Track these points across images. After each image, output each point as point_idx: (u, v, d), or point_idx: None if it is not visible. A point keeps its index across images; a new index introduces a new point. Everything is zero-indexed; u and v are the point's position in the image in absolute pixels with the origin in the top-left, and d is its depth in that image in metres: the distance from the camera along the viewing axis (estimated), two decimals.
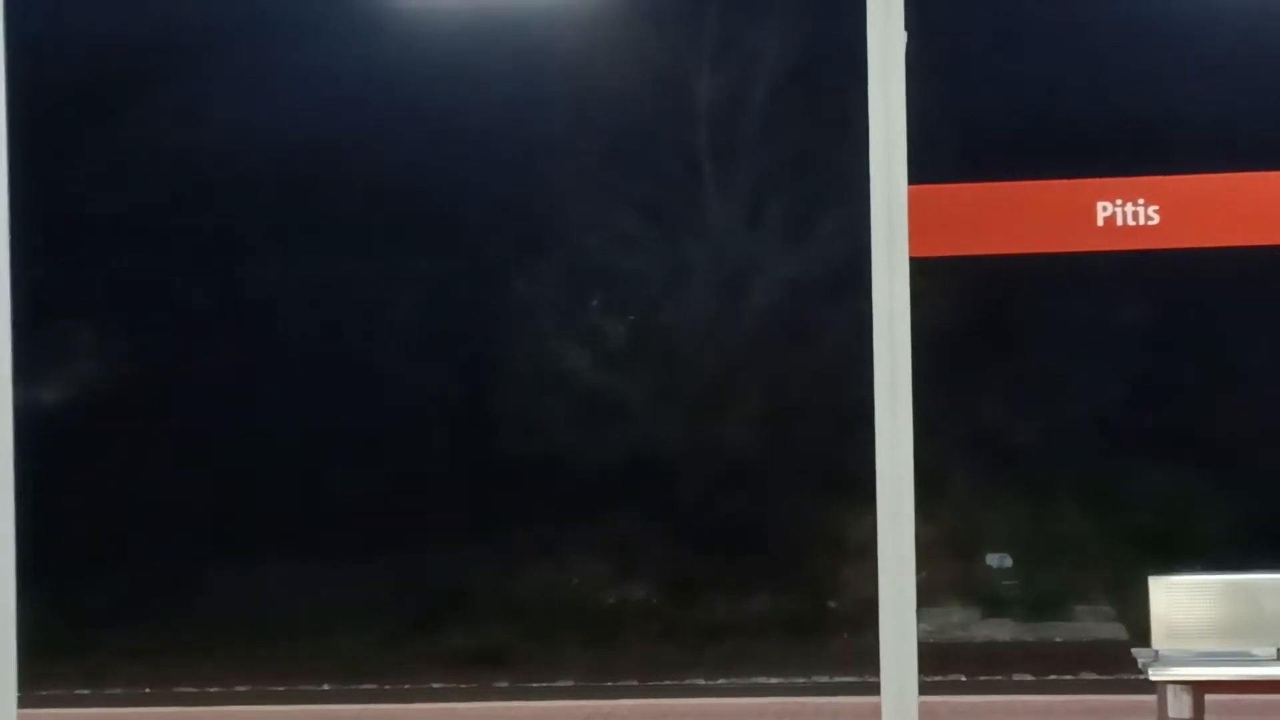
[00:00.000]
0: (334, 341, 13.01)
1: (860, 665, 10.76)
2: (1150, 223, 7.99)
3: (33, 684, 9.34)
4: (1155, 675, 8.18)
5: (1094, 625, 12.59)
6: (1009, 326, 12.46)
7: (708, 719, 11.85)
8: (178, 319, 12.96)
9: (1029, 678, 12.23)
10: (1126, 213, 7.99)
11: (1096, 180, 8.07)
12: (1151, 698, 8.35)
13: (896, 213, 7.82)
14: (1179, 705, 8.12)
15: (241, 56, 12.64)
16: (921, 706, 7.74)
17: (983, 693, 12.00)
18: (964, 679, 12.18)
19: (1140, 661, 8.34)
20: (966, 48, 11.43)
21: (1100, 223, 8.02)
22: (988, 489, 12.67)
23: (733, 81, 12.68)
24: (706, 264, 12.88)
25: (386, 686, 12.60)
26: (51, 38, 11.68)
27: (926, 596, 10.66)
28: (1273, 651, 8.28)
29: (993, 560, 12.80)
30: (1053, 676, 12.22)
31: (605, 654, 12.74)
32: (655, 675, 12.50)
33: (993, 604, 12.75)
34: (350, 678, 12.59)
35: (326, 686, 12.59)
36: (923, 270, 7.83)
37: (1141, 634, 8.56)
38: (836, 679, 12.22)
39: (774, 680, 12.39)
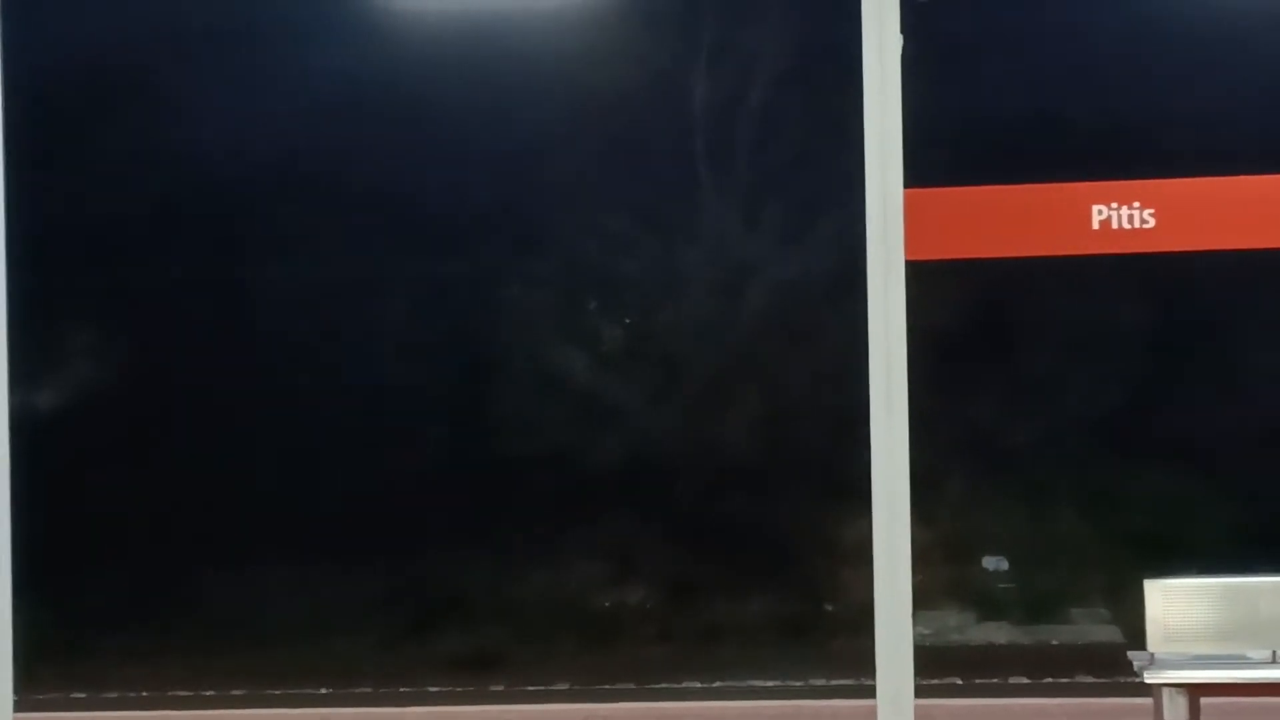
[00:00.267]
0: (331, 343, 13.00)
1: (856, 668, 10.78)
2: (1146, 226, 8.00)
3: (28, 688, 9.34)
4: (1151, 678, 8.19)
5: (1090, 628, 12.60)
6: (1004, 329, 12.46)
7: None
8: (173, 321, 12.96)
9: (1025, 680, 12.24)
10: (1122, 216, 8.00)
11: (1092, 183, 8.08)
12: (1147, 701, 8.35)
13: (892, 216, 7.84)
14: (1174, 708, 8.13)
15: (236, 59, 12.64)
16: (917, 709, 7.75)
17: (978, 696, 12.01)
18: (960, 682, 12.19)
19: (1136, 664, 8.34)
20: (962, 51, 11.43)
21: (1096, 226, 8.03)
22: (983, 492, 12.67)
23: (727, 84, 12.69)
24: (702, 266, 12.89)
25: (383, 690, 12.60)
26: (46, 41, 11.68)
27: (922, 599, 10.65)
28: (1268, 654, 8.29)
29: (989, 563, 12.81)
30: (1048, 679, 12.22)
31: (601, 657, 12.74)
32: (651, 678, 12.51)
33: (988, 607, 12.76)
34: (347, 681, 12.58)
35: (324, 690, 12.59)
36: (918, 273, 7.84)
37: (1137, 637, 8.56)
38: (833, 682, 12.22)
39: (770, 683, 12.39)
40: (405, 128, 12.66)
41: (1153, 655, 8.36)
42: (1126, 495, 12.40)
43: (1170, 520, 12.22)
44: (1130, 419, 12.43)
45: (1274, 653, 8.26)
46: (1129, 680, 8.51)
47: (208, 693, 12.55)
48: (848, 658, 11.80)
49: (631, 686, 12.47)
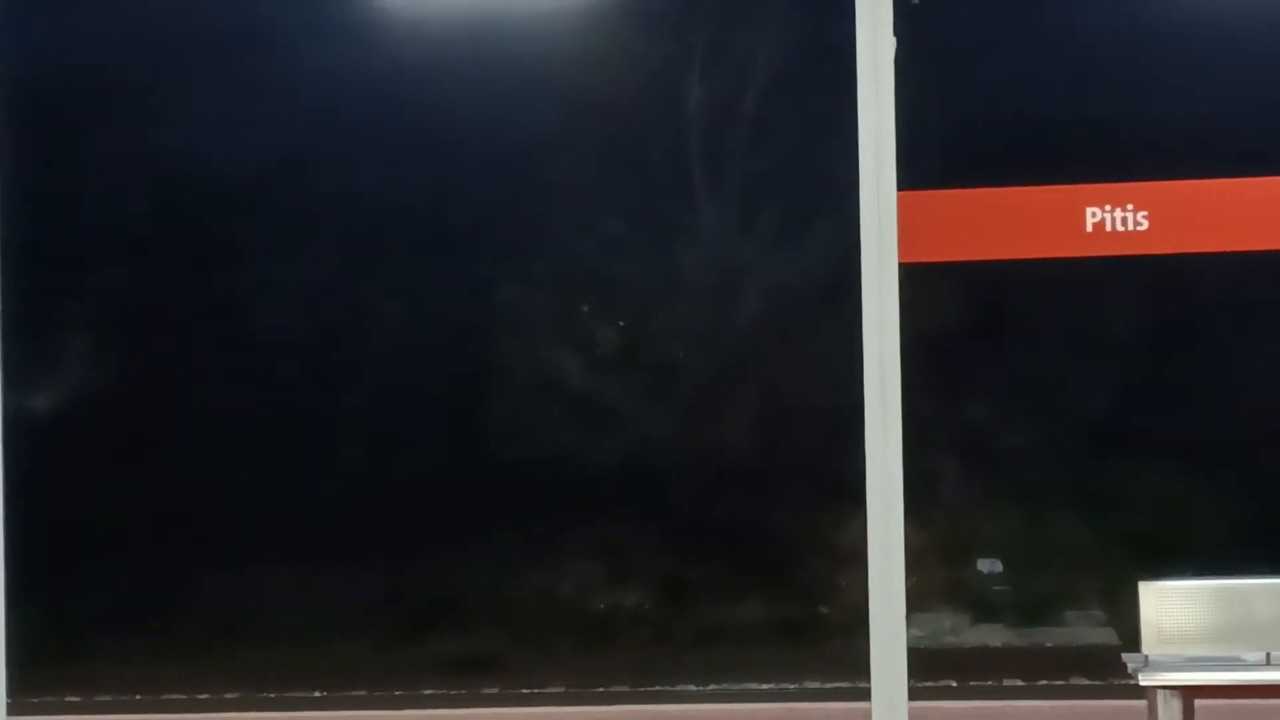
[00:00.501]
0: (326, 346, 13.00)
1: (850, 670, 10.78)
2: (1139, 228, 8.01)
3: (22, 690, 9.32)
4: (1145, 680, 8.19)
5: (1084, 630, 12.60)
6: (999, 331, 12.47)
7: None
8: (167, 325, 12.95)
9: (1019, 683, 12.24)
10: (1115, 218, 8.01)
11: (1085, 186, 8.08)
12: (1141, 703, 8.35)
13: (886, 218, 7.84)
14: (1169, 710, 8.13)
15: (231, 62, 12.63)
16: (911, 712, 7.75)
17: (973, 698, 12.01)
18: (954, 684, 12.19)
19: (1130, 667, 8.35)
20: (955, 53, 11.43)
21: (1089, 228, 8.04)
22: (977, 494, 12.68)
23: (721, 86, 12.69)
24: (696, 268, 12.89)
25: (378, 692, 12.59)
26: (40, 44, 11.67)
27: (916, 602, 10.65)
28: (1263, 656, 8.29)
29: (983, 565, 12.81)
30: (1043, 682, 12.23)
31: (597, 659, 12.75)
32: (646, 681, 12.51)
33: (983, 609, 12.76)
34: (341, 683, 12.58)
35: (318, 693, 12.58)
36: (911, 276, 7.84)
37: (1131, 639, 8.57)
38: (828, 685, 12.22)
39: (765, 686, 12.39)
40: (401, 130, 12.66)
41: (1147, 657, 8.36)
42: (1121, 497, 12.41)
43: (1165, 522, 12.22)
44: (1126, 420, 12.43)
45: (1268, 654, 8.27)
46: (1123, 682, 8.52)
47: (202, 695, 12.54)
48: (842, 660, 11.81)
49: (626, 689, 12.47)
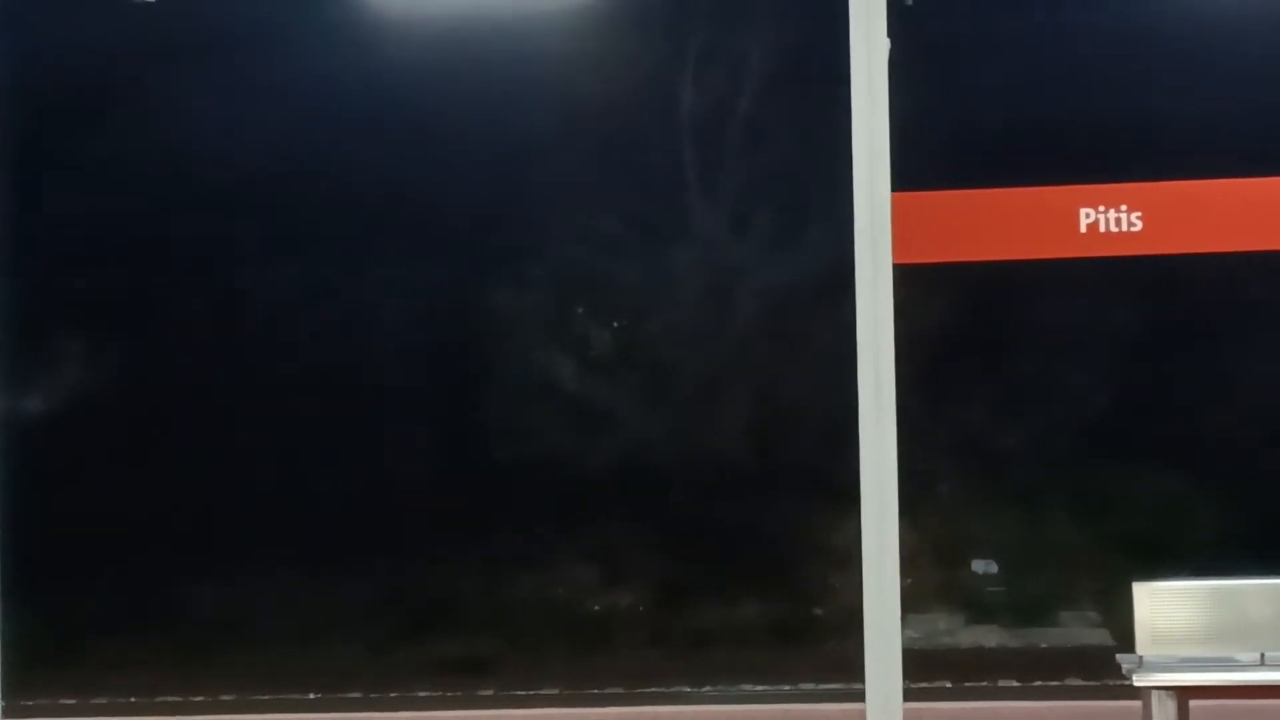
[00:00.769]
0: (320, 348, 13.00)
1: (845, 672, 10.79)
2: (1133, 229, 8.03)
3: (17, 694, 9.33)
4: (1139, 681, 8.21)
5: (1079, 631, 12.61)
6: (993, 332, 12.47)
7: None
8: (161, 328, 12.95)
9: (1014, 684, 12.24)
10: (1109, 219, 8.04)
11: (1079, 186, 8.11)
12: (1136, 703, 8.37)
13: (880, 219, 7.86)
14: (1164, 711, 8.15)
15: (228, 64, 12.63)
16: (906, 713, 7.77)
17: (968, 699, 12.02)
18: (949, 685, 12.20)
19: (1124, 667, 8.36)
20: (949, 54, 11.44)
21: (1083, 229, 8.06)
22: (972, 495, 12.68)
23: (714, 88, 12.69)
24: (690, 270, 12.89)
25: (372, 695, 12.59)
26: (36, 46, 11.69)
27: (911, 603, 10.66)
28: (1257, 657, 8.31)
29: (978, 566, 12.82)
30: (1038, 682, 12.23)
31: (591, 662, 12.75)
32: (641, 683, 12.51)
33: (978, 610, 12.76)
34: (336, 686, 12.58)
35: (312, 695, 12.58)
36: (906, 277, 7.86)
37: (1126, 639, 8.58)
38: (822, 686, 12.22)
39: (759, 687, 12.39)
40: (396, 132, 12.66)
41: (1141, 658, 8.38)
42: (1117, 498, 12.41)
43: (1159, 523, 12.23)
44: (1121, 422, 12.43)
45: (1262, 655, 8.29)
46: (1118, 683, 8.53)
47: (197, 698, 12.53)
48: (837, 661, 11.81)
49: (621, 691, 12.47)
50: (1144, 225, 7.93)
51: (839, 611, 12.17)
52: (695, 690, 12.44)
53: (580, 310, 13.24)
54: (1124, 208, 7.93)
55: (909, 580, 8.54)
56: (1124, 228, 7.94)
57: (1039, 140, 11.55)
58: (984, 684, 12.25)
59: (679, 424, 12.99)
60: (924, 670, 11.59)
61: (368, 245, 12.85)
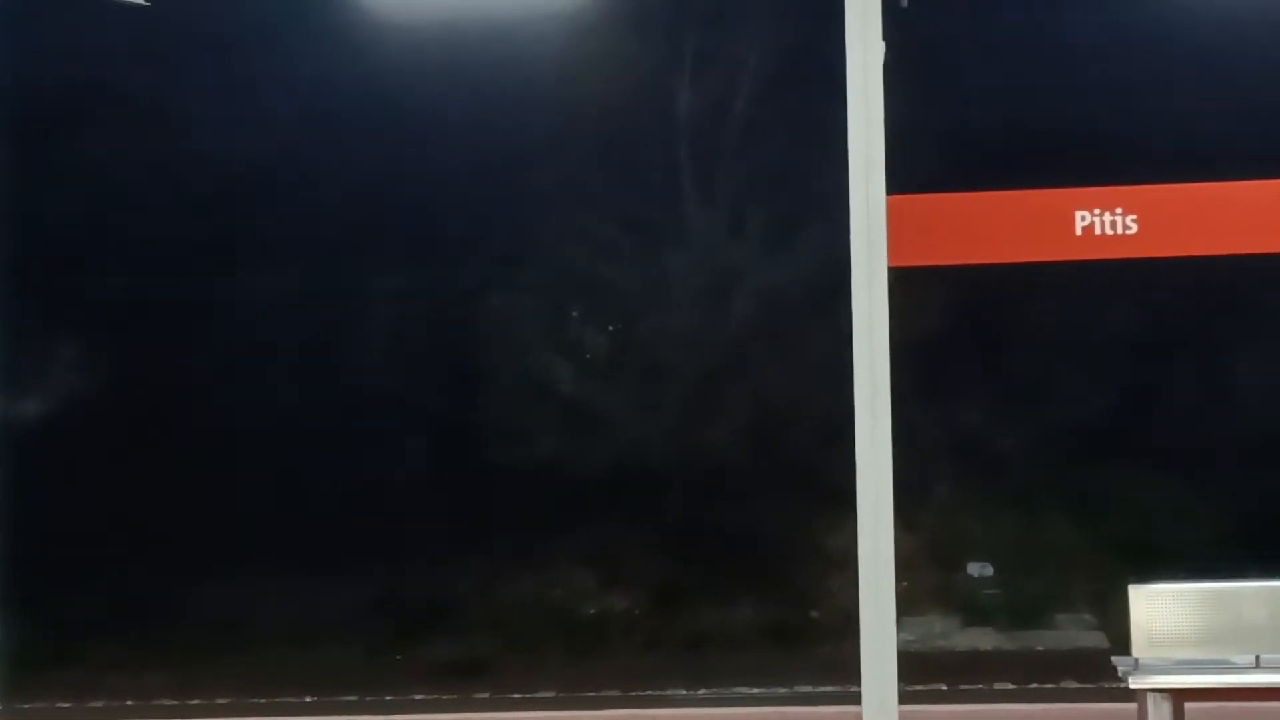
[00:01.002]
0: (315, 351, 13.00)
1: (841, 675, 10.79)
2: (1128, 232, 8.03)
3: (14, 696, 9.33)
4: (1135, 683, 8.21)
5: (1075, 634, 12.62)
6: (988, 335, 12.48)
7: None
8: (157, 331, 12.95)
9: (1010, 686, 12.25)
10: (1105, 222, 8.03)
11: (1074, 189, 8.10)
12: (1131, 706, 8.37)
13: (875, 222, 7.86)
14: (1159, 713, 8.15)
15: (222, 68, 12.63)
16: (902, 715, 7.77)
17: (963, 701, 12.02)
18: (945, 688, 12.21)
19: (1120, 670, 8.36)
20: (944, 58, 11.45)
21: (1079, 232, 8.06)
22: (968, 498, 12.69)
23: (710, 91, 12.70)
24: (686, 273, 12.90)
25: (368, 698, 12.59)
26: (31, 50, 11.68)
27: (907, 606, 10.66)
28: (1252, 659, 8.31)
29: (973, 569, 12.82)
30: (1034, 685, 12.24)
31: (587, 664, 12.75)
32: (637, 685, 12.51)
33: (974, 613, 12.77)
34: (332, 689, 12.58)
35: (309, 698, 12.58)
36: (901, 280, 7.87)
37: (1122, 642, 8.58)
38: (818, 689, 12.23)
39: (755, 690, 12.40)
40: (390, 136, 12.67)
41: (1137, 660, 8.38)
42: (1111, 501, 12.42)
43: (1154, 526, 12.24)
44: (1116, 424, 12.45)
45: (1257, 657, 8.29)
46: (1113, 685, 8.53)
47: (193, 701, 12.54)
48: (833, 664, 11.82)
49: (617, 694, 12.48)
50: (1139, 228, 7.94)
51: (835, 614, 12.18)
52: (691, 693, 12.44)
53: (574, 314, 13.25)
54: (1119, 210, 7.94)
55: (904, 583, 8.54)
56: (1119, 230, 7.94)
57: (1034, 143, 11.57)
58: (979, 686, 12.27)
59: (674, 426, 13.00)
60: (920, 673, 11.60)
61: (364, 248, 12.87)
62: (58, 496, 12.34)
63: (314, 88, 12.58)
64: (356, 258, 12.87)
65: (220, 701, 12.52)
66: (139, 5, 11.35)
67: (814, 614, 12.75)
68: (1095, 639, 12.32)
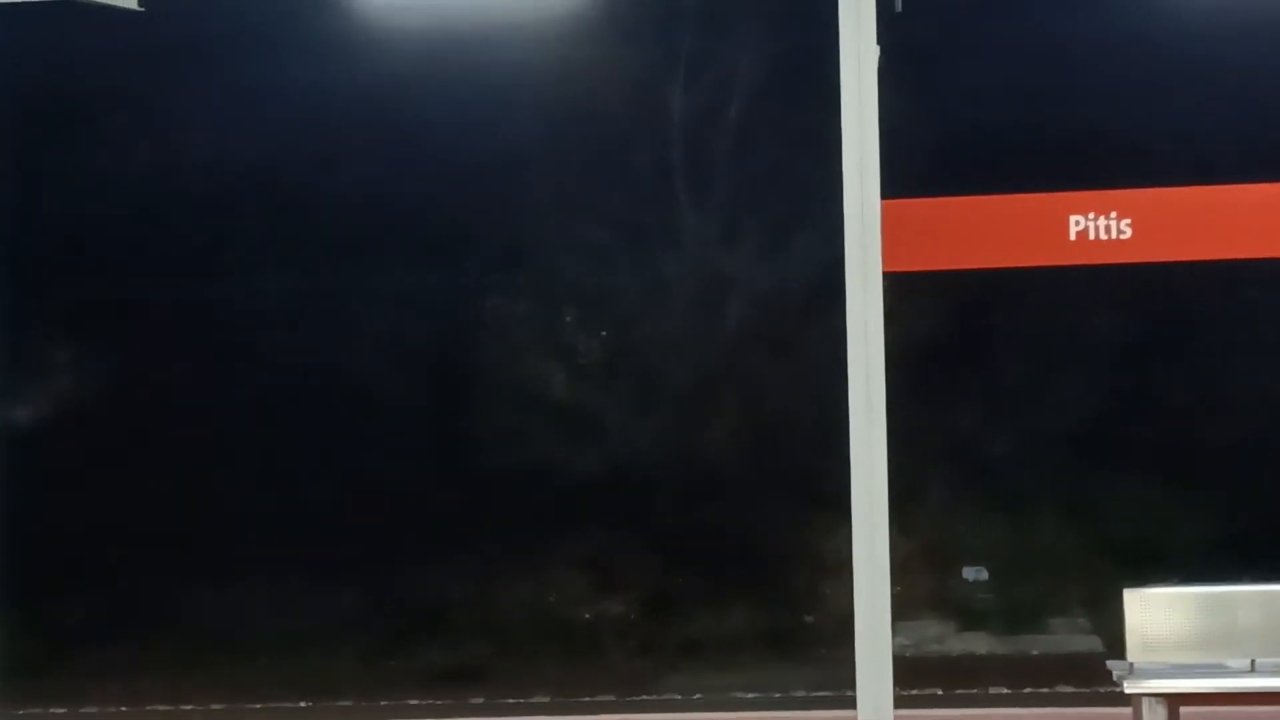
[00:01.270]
0: (310, 355, 12.99)
1: (837, 679, 10.78)
2: (1122, 236, 8.04)
3: (7, 703, 9.31)
4: (1130, 688, 8.20)
5: (1070, 638, 12.61)
6: (983, 339, 12.49)
7: None
8: (151, 336, 12.94)
9: (1005, 691, 12.25)
10: (1099, 226, 8.04)
11: (1068, 194, 8.11)
12: (1126, 710, 8.36)
13: (870, 227, 7.86)
14: (1154, 717, 8.14)
15: (216, 73, 12.63)
16: None
17: (958, 706, 12.02)
18: (940, 693, 12.20)
19: (1115, 674, 8.36)
20: (938, 62, 11.45)
21: (1073, 236, 8.06)
22: (963, 502, 12.69)
23: (704, 96, 12.70)
24: (681, 277, 12.90)
25: (363, 703, 12.58)
26: (27, 55, 11.67)
27: (902, 610, 10.66)
28: (1247, 663, 8.30)
29: (969, 573, 12.82)
30: (1029, 690, 12.23)
31: (582, 669, 12.75)
32: (631, 690, 12.51)
33: (969, 617, 12.77)
34: (327, 694, 12.57)
35: (303, 703, 12.57)
36: (895, 284, 7.86)
37: (1116, 646, 8.58)
38: (813, 694, 12.22)
39: (750, 695, 12.39)
40: (383, 141, 12.67)
41: (1132, 664, 8.37)
42: (1106, 505, 12.42)
43: (1149, 530, 12.24)
44: (1112, 429, 12.45)
45: (1252, 661, 8.28)
46: (1108, 690, 8.53)
47: (187, 707, 12.52)
48: (829, 668, 11.82)
49: (612, 698, 12.47)
50: (1133, 232, 7.94)
51: (830, 618, 12.18)
52: (686, 698, 12.44)
53: (567, 319, 13.25)
54: (1113, 214, 7.94)
55: (899, 588, 8.54)
56: (1113, 235, 7.95)
57: (1028, 147, 11.57)
58: (974, 691, 12.27)
59: (667, 431, 12.99)
60: (915, 677, 11.60)
61: (357, 253, 12.87)
62: (51, 502, 12.33)
63: (307, 94, 12.58)
64: (350, 263, 12.86)
65: (215, 707, 12.51)
66: (131, 10, 11.33)
67: (809, 618, 12.75)
68: (1090, 643, 12.32)
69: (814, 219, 11.71)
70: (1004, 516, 12.63)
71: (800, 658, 12.55)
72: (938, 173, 9.96)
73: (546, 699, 12.55)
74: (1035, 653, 12.65)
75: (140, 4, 8.67)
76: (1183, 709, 8.28)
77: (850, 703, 7.91)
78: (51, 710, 12.50)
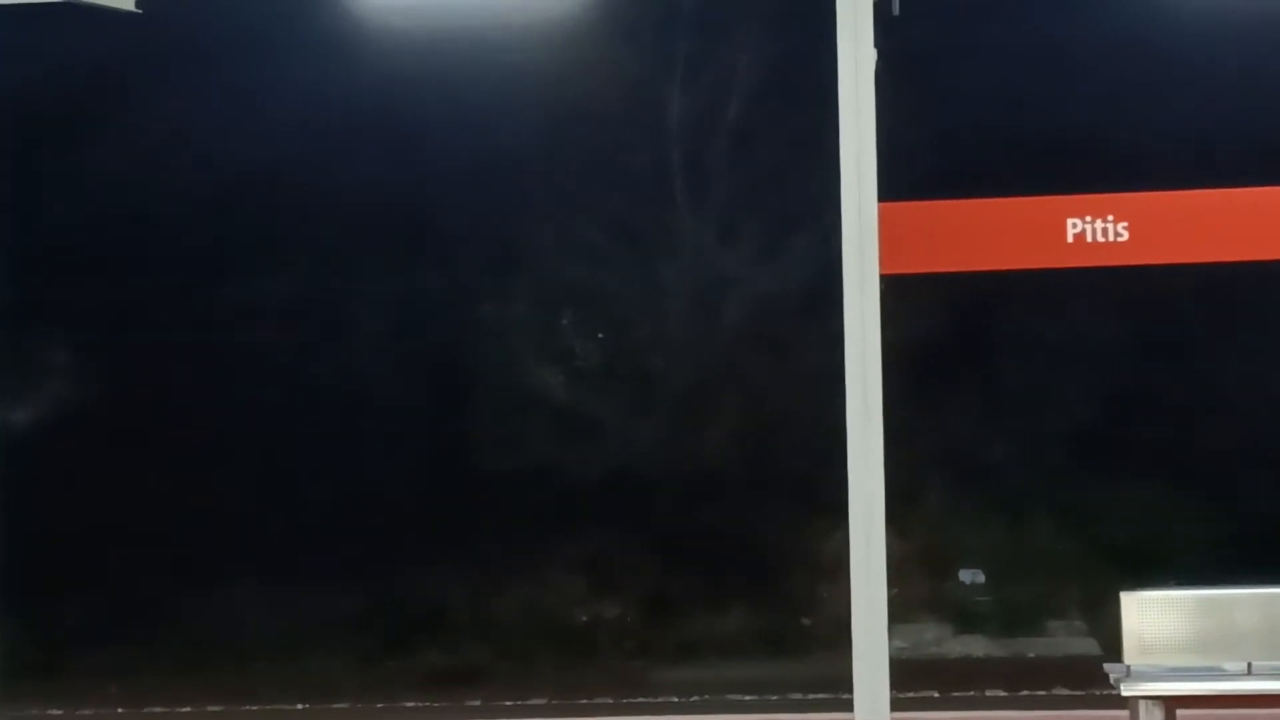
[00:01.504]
0: (310, 360, 12.99)
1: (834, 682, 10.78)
2: (1119, 239, 8.04)
3: (6, 705, 9.31)
4: (1127, 691, 8.20)
5: (1067, 640, 12.62)
6: (980, 341, 12.49)
7: None
8: (150, 338, 12.94)
9: (1002, 693, 12.25)
10: (1096, 229, 8.04)
11: (1066, 197, 8.11)
12: (1123, 713, 8.36)
13: (867, 229, 7.86)
14: None
15: (216, 75, 12.63)
16: None
17: (955, 709, 12.02)
18: (937, 695, 12.20)
19: (1112, 677, 8.35)
20: (936, 66, 11.45)
21: (1070, 239, 8.07)
22: (960, 504, 12.69)
23: (702, 98, 12.70)
24: (678, 280, 12.90)
25: (360, 705, 12.58)
26: (27, 56, 11.67)
27: (899, 613, 10.66)
28: (1244, 666, 8.30)
29: (965, 576, 12.82)
30: (1026, 692, 12.24)
31: (579, 671, 12.75)
32: (629, 692, 12.51)
33: (966, 620, 12.77)
34: (324, 697, 12.57)
35: (300, 706, 12.57)
36: (893, 287, 7.87)
37: (1113, 649, 8.58)
38: (810, 696, 12.22)
39: (748, 697, 12.39)
40: (382, 143, 12.67)
41: (1129, 667, 8.37)
42: (1104, 507, 12.43)
43: (1147, 534, 12.25)
44: (1110, 432, 12.45)
45: (1249, 664, 8.28)
46: (1105, 693, 8.52)
47: (184, 709, 12.52)
48: (825, 671, 11.81)
49: (610, 700, 12.47)
50: (1131, 235, 7.95)
51: (827, 621, 12.18)
52: (683, 700, 12.44)
53: (564, 321, 13.25)
54: (1110, 218, 7.95)
55: (896, 590, 8.54)
56: (1111, 238, 7.95)
57: (1026, 150, 11.57)
58: (971, 694, 12.27)
59: (665, 433, 12.99)
60: (912, 680, 11.60)
61: (356, 255, 12.87)
62: (50, 503, 12.32)
63: (307, 94, 12.58)
64: (350, 263, 12.86)
65: (212, 709, 12.51)
66: (130, 13, 11.33)
67: (806, 621, 12.75)
68: (1087, 646, 12.32)
69: (811, 221, 11.73)
70: (1000, 519, 12.64)
71: (798, 659, 12.56)
72: (935, 175, 9.96)
73: (544, 701, 12.55)
74: (1032, 655, 12.66)
75: (137, 5, 8.66)
76: (1179, 711, 8.28)
77: (847, 705, 7.91)
78: (50, 712, 12.50)
